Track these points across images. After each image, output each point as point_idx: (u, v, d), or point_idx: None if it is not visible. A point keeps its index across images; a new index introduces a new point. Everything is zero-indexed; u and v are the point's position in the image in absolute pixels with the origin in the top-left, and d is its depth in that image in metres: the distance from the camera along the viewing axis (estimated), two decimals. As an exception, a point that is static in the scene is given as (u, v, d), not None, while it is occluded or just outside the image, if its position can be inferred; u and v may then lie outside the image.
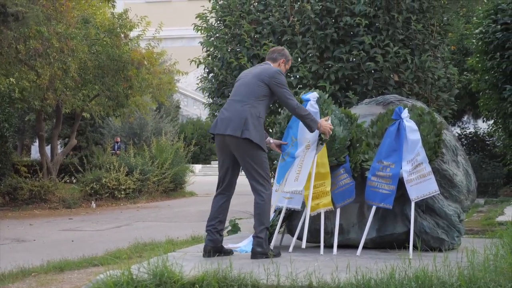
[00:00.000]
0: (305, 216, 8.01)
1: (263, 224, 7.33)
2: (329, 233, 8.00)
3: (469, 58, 17.57)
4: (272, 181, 8.00)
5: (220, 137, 7.42)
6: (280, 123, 8.39)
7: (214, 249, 7.38)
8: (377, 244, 7.97)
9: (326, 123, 7.68)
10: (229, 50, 11.93)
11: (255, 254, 7.27)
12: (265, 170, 7.40)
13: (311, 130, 7.56)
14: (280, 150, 8.07)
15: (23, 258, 9.31)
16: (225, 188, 7.58)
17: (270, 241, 7.87)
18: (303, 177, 7.77)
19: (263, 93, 7.44)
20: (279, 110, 11.05)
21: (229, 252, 7.55)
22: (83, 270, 8.35)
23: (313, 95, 8.06)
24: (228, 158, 7.49)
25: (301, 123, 7.83)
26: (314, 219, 7.82)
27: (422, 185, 7.45)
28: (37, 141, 30.79)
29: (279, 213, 8.09)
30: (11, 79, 16.78)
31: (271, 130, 11.08)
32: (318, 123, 7.56)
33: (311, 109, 7.87)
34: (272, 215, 8.30)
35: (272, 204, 8.09)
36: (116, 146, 29.61)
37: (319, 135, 7.80)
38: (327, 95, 8.36)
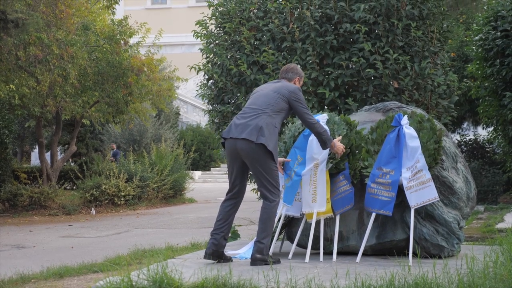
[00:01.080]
0: (304, 223, 8.03)
1: (266, 230, 7.34)
2: (328, 240, 8.00)
3: (469, 65, 17.57)
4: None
5: (232, 142, 7.41)
6: (286, 143, 8.39)
7: (216, 253, 7.39)
8: (377, 251, 7.97)
9: (339, 143, 7.71)
10: (228, 57, 11.94)
11: (254, 261, 7.26)
12: (275, 179, 7.41)
13: (325, 147, 7.60)
14: (283, 170, 8.06)
15: (23, 265, 9.31)
16: (235, 193, 7.59)
17: (269, 248, 7.88)
18: (321, 198, 7.77)
19: (281, 106, 7.50)
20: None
21: (228, 259, 7.55)
22: (82, 276, 8.34)
23: (322, 117, 8.07)
24: (238, 165, 7.50)
25: (309, 143, 7.86)
26: (314, 226, 7.81)
27: (421, 192, 7.44)
28: (37, 147, 30.83)
29: (278, 220, 8.08)
30: (11, 85, 16.78)
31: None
32: (332, 142, 7.61)
33: None
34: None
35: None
36: (111, 153, 29.75)
37: (329, 154, 7.81)
38: (327, 101, 8.36)
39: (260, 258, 7.26)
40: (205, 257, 7.42)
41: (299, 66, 10.74)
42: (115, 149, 30.57)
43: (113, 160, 26.78)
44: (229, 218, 7.54)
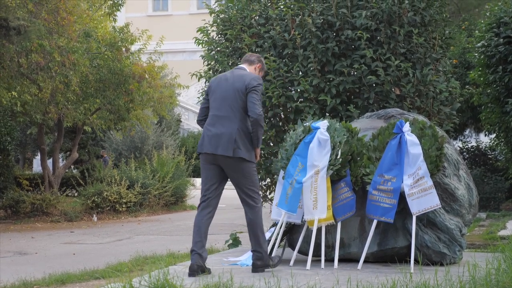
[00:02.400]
0: (305, 229, 8.03)
1: (259, 239, 7.28)
2: (330, 247, 7.99)
3: (471, 72, 17.56)
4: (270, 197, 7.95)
5: (209, 155, 7.32)
6: (287, 150, 8.37)
7: (201, 268, 7.09)
8: (378, 258, 7.97)
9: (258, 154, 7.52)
10: (230, 64, 11.92)
11: (256, 267, 7.24)
12: (256, 184, 7.37)
13: (256, 144, 7.33)
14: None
15: (25, 271, 9.33)
16: (210, 203, 7.40)
17: (270, 255, 7.88)
18: (322, 205, 7.73)
19: (245, 105, 7.31)
20: (284, 127, 11.04)
21: (208, 270, 7.21)
22: (84, 283, 8.35)
23: (323, 123, 8.06)
24: (216, 173, 7.37)
25: (310, 150, 7.84)
26: (315, 233, 7.80)
27: (423, 199, 7.44)
28: (39, 154, 30.85)
29: (280, 227, 8.07)
30: (13, 92, 16.81)
31: (271, 144, 11.07)
32: (259, 147, 7.45)
33: (322, 137, 7.88)
34: (272, 229, 8.31)
35: (273, 219, 8.17)
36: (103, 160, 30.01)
37: (329, 161, 7.79)
38: (328, 108, 8.34)
39: (261, 264, 7.24)
40: (190, 275, 7.02)
41: (299, 71, 10.75)
42: (105, 156, 30.74)
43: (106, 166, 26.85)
44: (207, 229, 7.33)
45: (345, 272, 7.05)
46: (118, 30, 21.06)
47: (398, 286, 5.66)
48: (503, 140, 16.67)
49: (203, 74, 12.36)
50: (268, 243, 8.08)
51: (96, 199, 20.80)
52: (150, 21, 48.24)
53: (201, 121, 7.67)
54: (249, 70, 7.73)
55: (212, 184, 7.40)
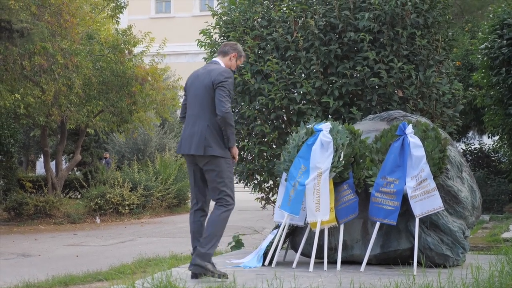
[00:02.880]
0: (308, 232, 8.02)
1: (211, 241, 6.99)
2: (332, 249, 7.99)
3: (474, 74, 17.52)
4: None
5: (188, 155, 7.27)
6: (290, 152, 8.35)
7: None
8: (381, 260, 7.96)
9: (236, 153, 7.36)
10: (232, 66, 11.90)
11: (195, 265, 6.90)
12: (229, 186, 7.15)
13: (228, 144, 7.17)
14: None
15: (29, 273, 9.33)
16: (202, 205, 7.33)
17: (273, 257, 7.89)
18: (324, 207, 7.72)
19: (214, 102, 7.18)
20: (286, 129, 11.03)
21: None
22: (87, 285, 8.35)
23: (325, 126, 8.06)
24: (200, 173, 7.28)
25: (312, 152, 7.83)
26: (318, 235, 7.79)
27: (426, 201, 7.42)
28: (42, 156, 30.90)
29: (283, 229, 8.06)
30: (16, 95, 16.83)
31: (274, 146, 11.06)
32: (235, 145, 7.31)
33: (324, 139, 7.88)
34: (274, 231, 8.30)
35: (275, 221, 8.17)
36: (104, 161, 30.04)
37: (332, 163, 7.77)
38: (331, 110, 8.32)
39: (201, 264, 6.85)
40: (193, 277, 6.96)
41: (302, 73, 10.72)
42: (107, 158, 30.80)
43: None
44: (201, 230, 7.22)
45: (347, 274, 7.05)
46: (120, 32, 21.10)
47: (401, 288, 5.65)
48: (506, 142, 16.65)
49: (205, 76, 12.33)
50: (271, 245, 8.08)
51: (99, 201, 20.81)
52: (153, 23, 48.20)
53: (183, 118, 7.59)
54: (224, 61, 7.57)
55: (199, 184, 7.35)
